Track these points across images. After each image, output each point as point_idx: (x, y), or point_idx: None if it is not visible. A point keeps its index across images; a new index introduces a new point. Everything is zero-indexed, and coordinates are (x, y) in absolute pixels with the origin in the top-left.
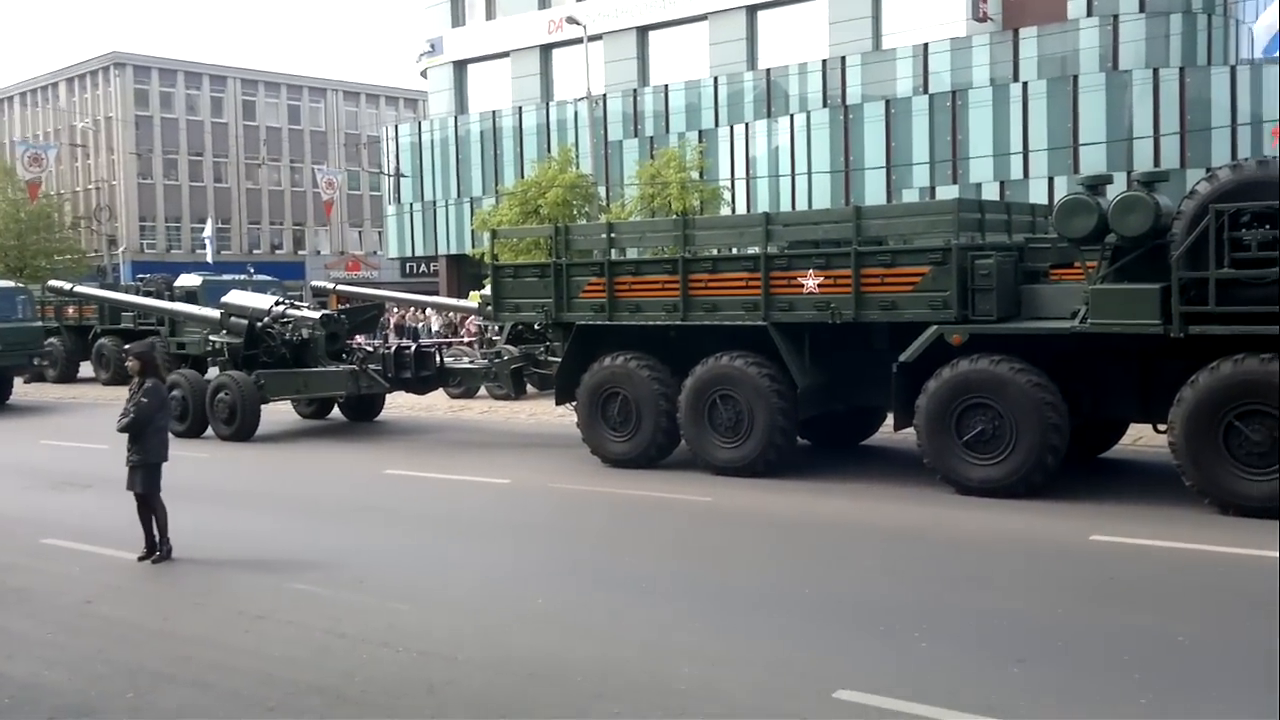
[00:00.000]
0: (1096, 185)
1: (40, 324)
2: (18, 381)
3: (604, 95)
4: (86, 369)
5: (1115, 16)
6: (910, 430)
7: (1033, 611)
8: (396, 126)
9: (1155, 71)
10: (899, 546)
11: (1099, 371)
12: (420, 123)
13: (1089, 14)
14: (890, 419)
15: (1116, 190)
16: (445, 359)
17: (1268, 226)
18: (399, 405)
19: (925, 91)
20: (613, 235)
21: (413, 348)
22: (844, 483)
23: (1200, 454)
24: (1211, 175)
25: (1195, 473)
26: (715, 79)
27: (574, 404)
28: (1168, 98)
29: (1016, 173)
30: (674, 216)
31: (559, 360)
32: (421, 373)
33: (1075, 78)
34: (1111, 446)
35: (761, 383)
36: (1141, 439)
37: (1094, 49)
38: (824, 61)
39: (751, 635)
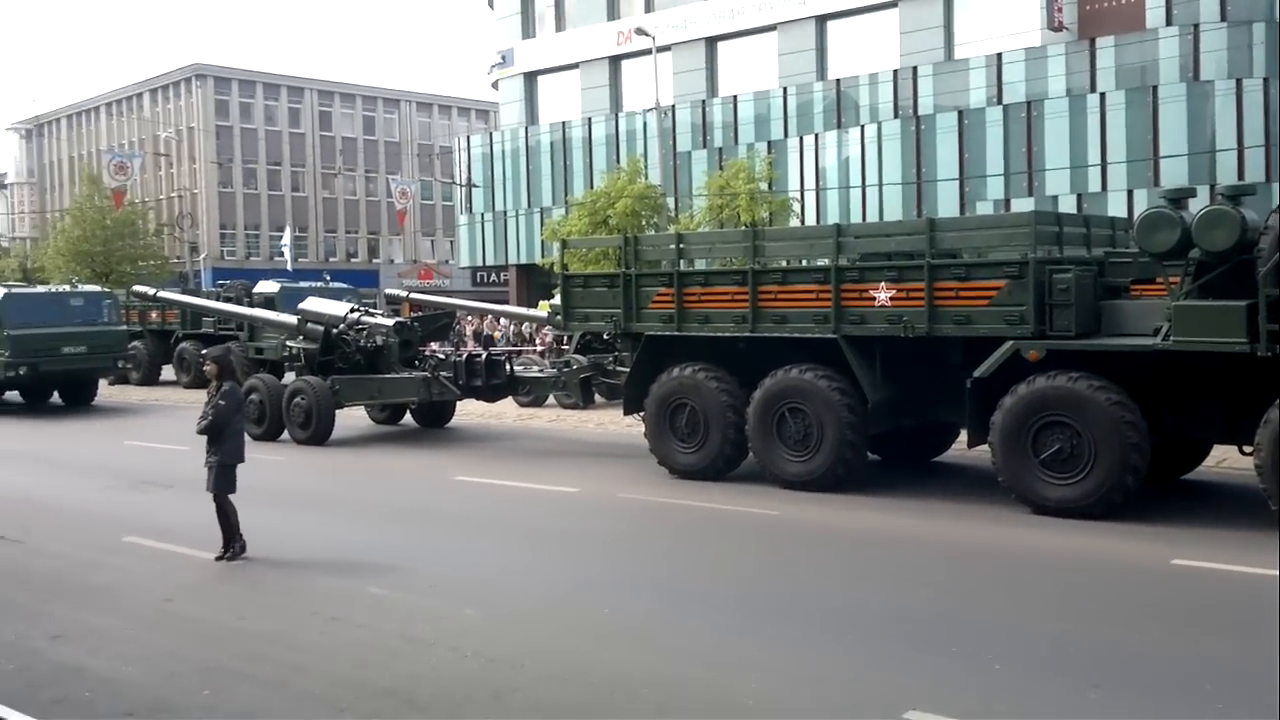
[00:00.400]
0: (1179, 199)
1: (124, 328)
2: (102, 383)
3: (673, 106)
4: (168, 372)
5: (1196, 26)
6: (984, 448)
7: (1110, 636)
8: (468, 137)
9: (1238, 82)
10: (972, 566)
11: (1182, 390)
12: (491, 133)
13: (1169, 23)
14: (963, 435)
15: (1199, 204)
16: (515, 367)
17: None
18: (469, 412)
19: (999, 102)
20: (682, 246)
21: (484, 356)
22: (915, 500)
23: None
24: None
25: None
26: (784, 90)
27: (642, 414)
28: (1252, 109)
29: (1094, 185)
30: (743, 228)
31: (627, 370)
32: (492, 381)
33: (1155, 88)
34: (1194, 468)
35: (832, 396)
36: (1226, 461)
37: (1174, 59)
38: (895, 72)
39: (819, 651)
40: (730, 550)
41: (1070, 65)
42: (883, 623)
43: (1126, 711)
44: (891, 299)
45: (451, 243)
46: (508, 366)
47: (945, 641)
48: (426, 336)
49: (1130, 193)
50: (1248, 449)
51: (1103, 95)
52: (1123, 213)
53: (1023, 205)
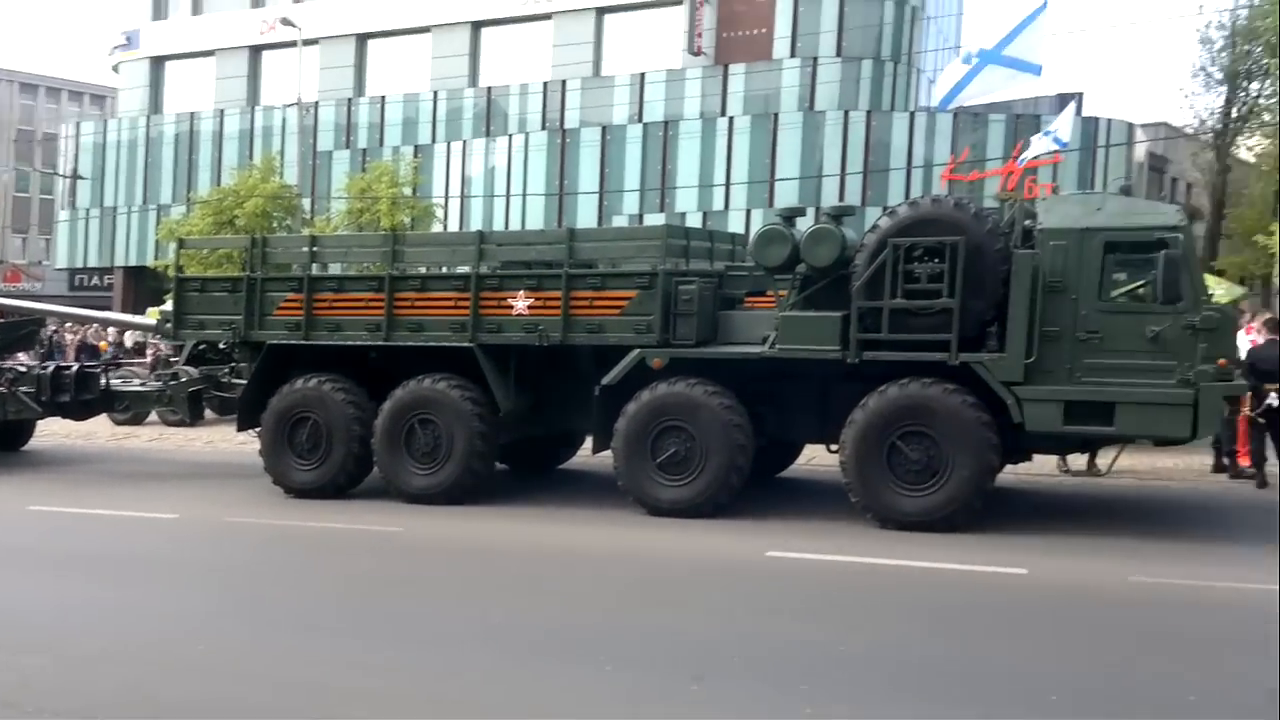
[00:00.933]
0: (791, 216)
1: None
2: None
3: (316, 103)
4: None
5: (815, 59)
6: (608, 453)
7: (711, 629)
8: (79, 124)
9: (846, 114)
10: (588, 570)
11: (784, 395)
12: (107, 121)
13: (792, 55)
14: (589, 442)
15: (808, 223)
16: (112, 381)
17: (936, 260)
18: (52, 433)
19: (640, 120)
20: (315, 249)
21: (74, 368)
22: (539, 507)
23: (866, 472)
24: (892, 211)
25: (861, 490)
26: (435, 94)
27: (258, 430)
28: (855, 138)
29: (719, 204)
30: (383, 232)
31: (244, 383)
32: (82, 396)
33: (776, 115)
34: (788, 466)
35: (464, 406)
36: (815, 459)
37: (794, 88)
38: (545, 84)
39: (430, 669)
40: (348, 571)
41: (705, 89)
42: (499, 634)
43: (724, 699)
44: (529, 307)
45: (47, 241)
46: (103, 380)
47: (560, 647)
48: (6, 347)
49: (749, 212)
50: (834, 447)
51: (731, 119)
52: (742, 230)
53: (655, 220)
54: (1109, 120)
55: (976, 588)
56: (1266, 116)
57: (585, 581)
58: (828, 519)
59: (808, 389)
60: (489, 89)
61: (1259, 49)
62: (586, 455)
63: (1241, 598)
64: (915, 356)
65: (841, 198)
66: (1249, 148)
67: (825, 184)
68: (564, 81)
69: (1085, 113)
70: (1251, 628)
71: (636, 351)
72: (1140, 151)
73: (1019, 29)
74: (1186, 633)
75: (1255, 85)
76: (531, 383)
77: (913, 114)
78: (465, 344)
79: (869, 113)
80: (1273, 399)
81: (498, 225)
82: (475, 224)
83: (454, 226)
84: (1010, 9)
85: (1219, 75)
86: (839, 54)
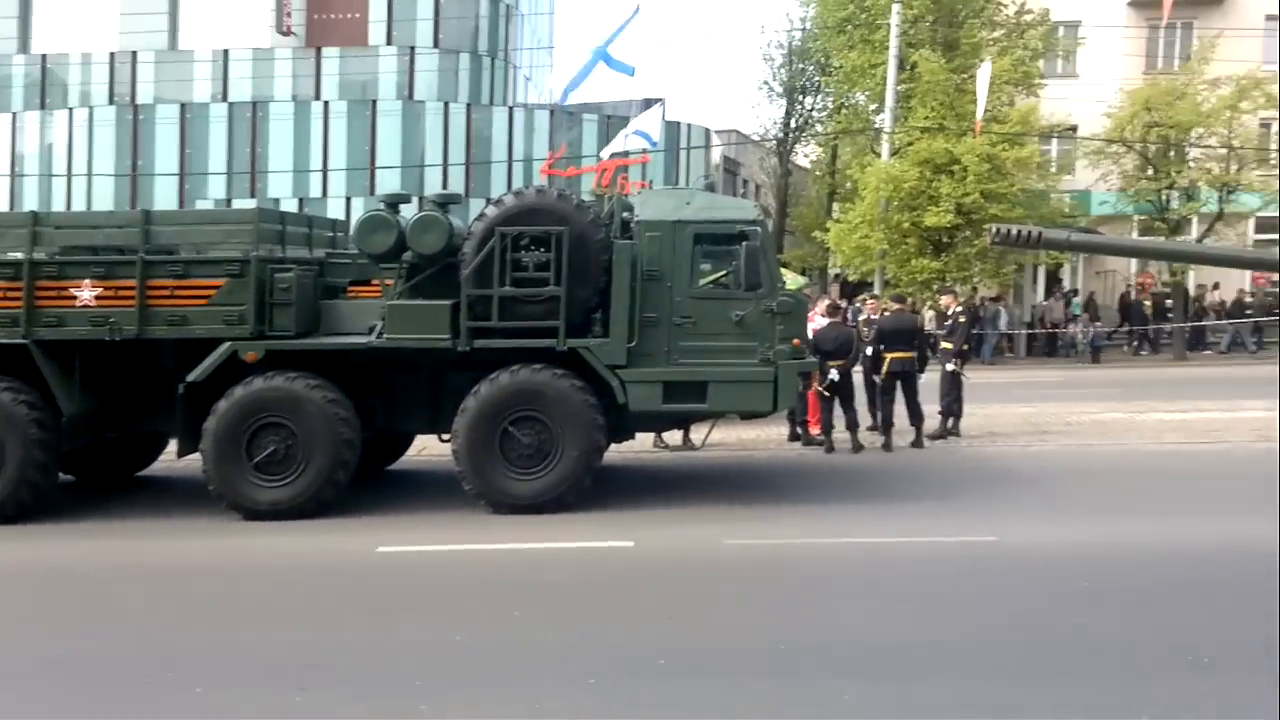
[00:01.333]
0: (396, 203)
1: None
2: None
3: None
4: None
5: (412, 48)
6: (196, 456)
7: (318, 634)
8: None
9: (446, 105)
10: (173, 585)
11: (393, 386)
12: None
13: (389, 42)
14: (173, 445)
15: (413, 210)
16: None
17: (543, 250)
18: None
19: (225, 99)
20: None
21: None
22: (114, 520)
23: (479, 459)
24: (499, 201)
25: (474, 477)
26: None
27: None
28: (456, 130)
29: (315, 190)
30: None
31: None
32: None
33: (375, 102)
34: (399, 458)
35: (16, 411)
36: (426, 449)
37: (392, 76)
38: (112, 54)
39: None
40: None
41: (296, 70)
42: (63, 667)
43: (331, 709)
44: (97, 298)
45: None
46: None
47: (139, 674)
48: None
49: (349, 200)
50: (446, 436)
51: (326, 104)
52: (343, 217)
53: (245, 205)
54: (689, 125)
55: (587, 564)
56: (819, 128)
57: (170, 599)
58: (440, 509)
59: (418, 379)
60: (44, 56)
61: (811, 67)
62: (171, 459)
63: (813, 552)
64: (525, 343)
65: (445, 188)
66: (805, 155)
67: (427, 174)
68: (134, 53)
69: (668, 117)
70: (830, 580)
71: (227, 345)
72: (716, 154)
73: (618, 31)
74: (775, 588)
75: (810, 100)
76: (102, 381)
77: (511, 109)
78: (18, 340)
79: (469, 105)
80: (834, 374)
81: (58, 207)
82: (29, 206)
83: (3, 208)
84: (603, 11)
85: (779, 89)
86: (436, 45)
